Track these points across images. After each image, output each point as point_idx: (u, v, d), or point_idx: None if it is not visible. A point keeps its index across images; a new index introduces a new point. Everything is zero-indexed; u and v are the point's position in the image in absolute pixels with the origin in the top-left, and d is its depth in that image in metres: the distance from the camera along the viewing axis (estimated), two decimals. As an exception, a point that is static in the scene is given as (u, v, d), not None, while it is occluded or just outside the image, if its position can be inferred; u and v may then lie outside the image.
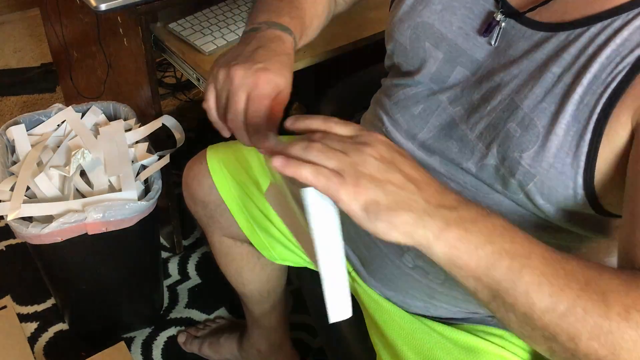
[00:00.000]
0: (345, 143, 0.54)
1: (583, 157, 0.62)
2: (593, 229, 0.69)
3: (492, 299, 0.53)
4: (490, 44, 0.71)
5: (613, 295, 0.49)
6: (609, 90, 0.60)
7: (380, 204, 0.51)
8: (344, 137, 0.55)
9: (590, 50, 0.62)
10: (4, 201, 1.11)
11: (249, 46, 0.69)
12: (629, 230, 0.56)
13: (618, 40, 0.60)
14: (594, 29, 0.63)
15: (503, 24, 0.70)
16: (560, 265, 0.51)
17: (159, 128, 1.26)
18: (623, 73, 0.59)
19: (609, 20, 0.62)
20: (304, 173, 0.51)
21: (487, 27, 0.71)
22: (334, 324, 0.58)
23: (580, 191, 0.63)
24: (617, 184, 0.61)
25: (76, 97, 1.62)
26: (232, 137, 1.06)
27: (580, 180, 0.63)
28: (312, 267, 1.05)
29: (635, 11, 0.61)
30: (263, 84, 0.65)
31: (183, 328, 1.46)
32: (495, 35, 0.71)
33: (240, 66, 0.65)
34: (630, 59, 0.59)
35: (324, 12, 0.87)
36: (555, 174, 0.63)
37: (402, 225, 0.51)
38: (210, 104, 0.67)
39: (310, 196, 0.54)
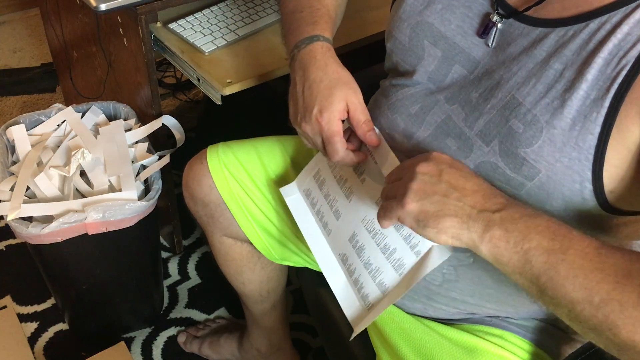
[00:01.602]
0: (407, 168, 0.64)
1: (592, 151, 0.62)
2: (593, 226, 0.69)
3: (540, 295, 0.57)
4: (488, 45, 0.71)
5: None
6: (616, 85, 0.60)
7: (428, 212, 0.60)
8: (409, 162, 0.65)
9: (591, 45, 0.62)
10: (4, 201, 1.11)
11: (298, 93, 0.77)
12: None
13: (619, 35, 0.61)
14: (593, 24, 0.63)
15: (499, 25, 0.70)
16: (600, 259, 0.54)
17: (159, 128, 1.26)
18: (627, 68, 0.60)
19: (607, 16, 0.62)
20: (383, 223, 0.65)
21: (484, 28, 0.71)
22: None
23: (588, 185, 0.64)
24: (631, 178, 0.62)
25: (76, 97, 1.62)
26: (232, 137, 1.06)
27: (588, 173, 0.63)
28: (311, 267, 1.05)
29: (633, 5, 0.61)
30: (327, 125, 0.73)
31: (183, 328, 1.46)
32: (492, 36, 0.71)
33: (305, 124, 0.75)
34: (634, 52, 0.60)
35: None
36: (562, 168, 0.64)
37: (449, 229, 0.59)
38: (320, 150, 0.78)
39: None
